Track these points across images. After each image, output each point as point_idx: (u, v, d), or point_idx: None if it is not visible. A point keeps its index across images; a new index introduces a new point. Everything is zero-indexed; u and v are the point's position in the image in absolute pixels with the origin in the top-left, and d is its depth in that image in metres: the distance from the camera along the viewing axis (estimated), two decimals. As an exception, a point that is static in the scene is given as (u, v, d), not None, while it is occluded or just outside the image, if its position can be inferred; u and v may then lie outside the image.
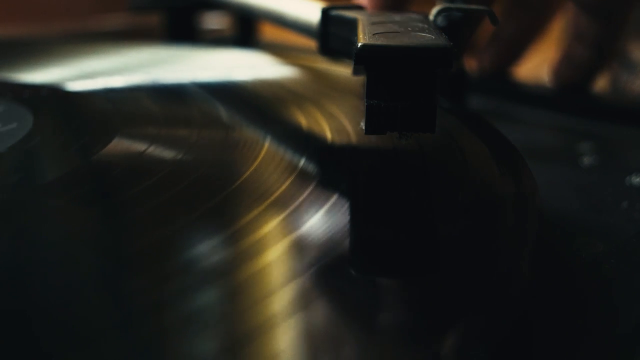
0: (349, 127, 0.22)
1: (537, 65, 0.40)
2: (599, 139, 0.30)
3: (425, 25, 0.20)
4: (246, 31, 0.45)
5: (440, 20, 0.23)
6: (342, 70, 0.29)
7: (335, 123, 0.22)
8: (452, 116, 0.24)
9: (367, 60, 0.18)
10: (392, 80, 0.18)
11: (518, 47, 0.38)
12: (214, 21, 0.49)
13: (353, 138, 0.21)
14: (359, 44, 0.18)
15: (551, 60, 0.36)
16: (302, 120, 0.23)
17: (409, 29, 0.20)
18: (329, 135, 0.22)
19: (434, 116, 0.18)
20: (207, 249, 0.15)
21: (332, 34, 0.25)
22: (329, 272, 0.14)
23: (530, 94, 0.35)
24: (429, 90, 0.18)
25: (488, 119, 0.23)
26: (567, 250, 0.20)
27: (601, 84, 0.38)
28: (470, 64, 0.38)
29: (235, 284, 0.14)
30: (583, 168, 0.27)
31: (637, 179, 0.25)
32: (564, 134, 0.31)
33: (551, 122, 0.33)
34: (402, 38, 0.19)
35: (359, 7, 0.25)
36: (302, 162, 0.19)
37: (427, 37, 0.19)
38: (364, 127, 0.19)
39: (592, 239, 0.20)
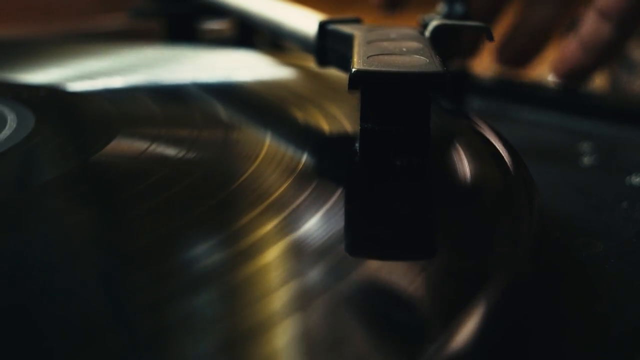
0: (349, 127, 0.22)
1: (537, 65, 0.40)
2: (599, 139, 0.30)
3: (421, 45, 0.20)
4: (246, 31, 0.45)
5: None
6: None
7: (335, 124, 0.22)
8: (452, 116, 0.24)
9: (360, 85, 0.18)
10: (386, 104, 0.19)
11: (542, 39, 0.37)
12: (214, 21, 0.49)
13: (353, 139, 0.21)
14: (353, 70, 0.18)
15: (561, 48, 0.35)
16: (302, 121, 0.23)
17: (404, 49, 0.20)
18: (328, 136, 0.22)
19: (427, 140, 0.19)
20: (206, 249, 0.15)
21: (328, 48, 0.25)
22: (327, 274, 0.14)
23: (530, 94, 0.35)
24: (423, 114, 0.19)
25: (488, 119, 0.23)
26: (567, 250, 0.20)
27: (601, 84, 0.38)
28: (471, 64, 0.38)
29: (233, 284, 0.14)
30: (583, 168, 0.27)
31: (637, 179, 0.25)
32: (564, 134, 0.31)
33: (551, 122, 0.33)
34: (396, 61, 0.19)
35: (357, 21, 0.25)
36: (302, 163, 0.19)
37: (422, 61, 0.19)
38: (358, 150, 0.19)
39: (592, 239, 0.20)
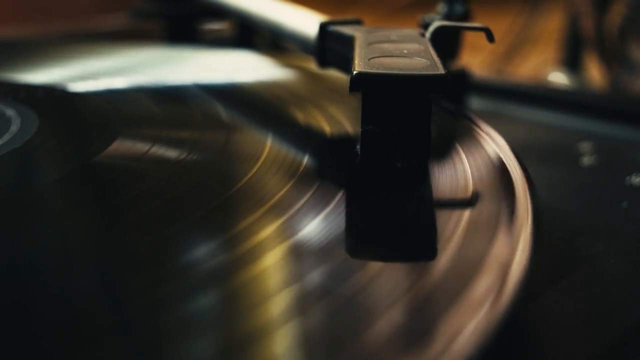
0: (349, 129, 0.22)
1: (537, 65, 0.40)
2: (599, 139, 0.30)
3: (422, 47, 0.20)
4: (246, 32, 0.45)
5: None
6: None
7: (336, 125, 0.22)
8: (452, 117, 0.24)
9: (362, 87, 0.18)
10: (387, 106, 0.19)
11: None
12: (214, 22, 0.49)
13: (354, 140, 0.21)
14: (354, 72, 0.18)
15: None
16: (303, 123, 0.23)
17: (405, 51, 0.20)
18: (329, 137, 0.22)
19: (428, 141, 0.19)
20: (207, 252, 0.15)
21: (329, 49, 0.25)
22: (328, 277, 0.14)
23: (530, 94, 0.35)
24: (424, 116, 0.19)
25: (488, 119, 0.23)
26: (567, 250, 0.20)
27: (601, 84, 0.39)
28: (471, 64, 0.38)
29: (234, 287, 0.14)
30: (583, 168, 0.27)
31: (637, 179, 0.25)
32: (564, 134, 0.31)
33: (551, 122, 0.33)
34: (398, 64, 0.19)
35: (357, 22, 0.25)
36: (303, 165, 0.19)
37: (423, 63, 0.19)
38: (359, 151, 0.19)
39: (592, 239, 0.20)
